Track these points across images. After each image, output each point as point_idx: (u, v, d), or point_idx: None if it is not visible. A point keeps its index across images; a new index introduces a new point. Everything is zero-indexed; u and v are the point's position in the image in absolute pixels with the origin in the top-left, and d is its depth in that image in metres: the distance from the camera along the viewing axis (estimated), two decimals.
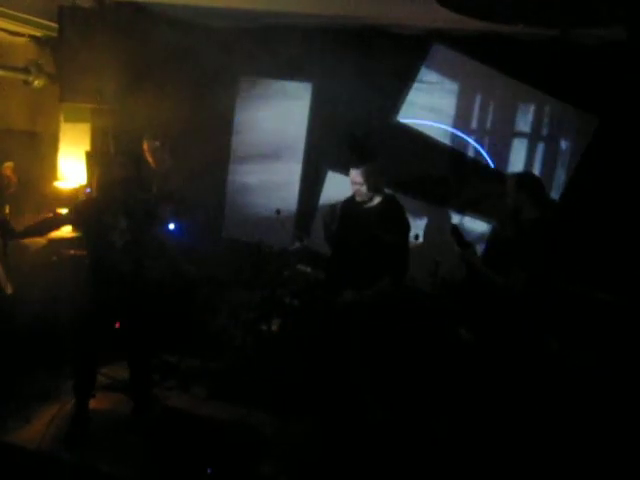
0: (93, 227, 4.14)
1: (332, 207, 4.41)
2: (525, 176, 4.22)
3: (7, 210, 5.63)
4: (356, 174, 4.20)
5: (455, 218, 5.55)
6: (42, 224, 4.43)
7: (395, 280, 4.25)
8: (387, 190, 4.49)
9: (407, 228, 4.33)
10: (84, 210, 4.25)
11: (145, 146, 5.41)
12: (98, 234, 4.11)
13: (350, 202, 4.40)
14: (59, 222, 4.56)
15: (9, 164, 5.79)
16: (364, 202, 4.28)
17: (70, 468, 3.86)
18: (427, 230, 5.55)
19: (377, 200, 4.30)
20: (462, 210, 5.53)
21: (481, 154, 5.54)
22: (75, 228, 4.86)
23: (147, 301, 4.26)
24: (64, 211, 5.77)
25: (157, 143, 5.37)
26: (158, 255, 4.35)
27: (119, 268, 4.09)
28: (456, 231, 4.01)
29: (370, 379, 4.33)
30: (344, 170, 5.32)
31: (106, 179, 4.25)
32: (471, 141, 5.56)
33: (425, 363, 4.48)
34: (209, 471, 3.71)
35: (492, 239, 4.90)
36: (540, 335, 4.02)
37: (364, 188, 4.20)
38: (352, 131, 5.39)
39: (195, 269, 4.45)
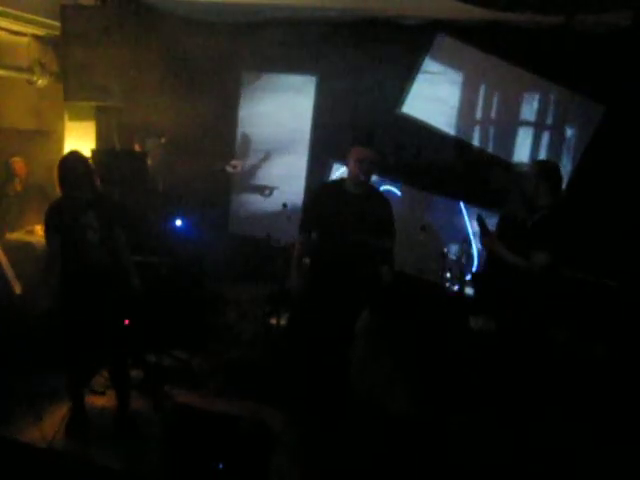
0: (67, 227, 4.01)
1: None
2: (547, 164, 4.21)
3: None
4: (369, 151, 4.18)
5: (463, 207, 5.55)
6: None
7: (392, 266, 4.31)
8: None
9: (392, 211, 4.37)
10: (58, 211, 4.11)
11: (148, 144, 5.42)
12: (71, 233, 4.00)
13: (338, 187, 4.37)
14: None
15: (18, 159, 5.81)
16: (356, 187, 4.24)
17: (81, 466, 3.88)
18: (434, 221, 5.55)
19: (367, 187, 4.29)
20: (470, 200, 5.52)
21: (488, 143, 5.52)
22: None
23: (124, 299, 4.16)
24: None
25: (162, 140, 5.37)
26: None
27: (94, 266, 4.00)
28: (481, 220, 4.04)
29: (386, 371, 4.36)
30: None
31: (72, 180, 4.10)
32: (477, 130, 5.54)
33: (441, 353, 4.50)
34: (220, 466, 3.72)
35: (503, 225, 4.87)
36: (549, 324, 4.01)
37: (373, 167, 4.19)
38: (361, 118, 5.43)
39: (139, 284, 4.28)
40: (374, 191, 4.39)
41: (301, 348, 4.48)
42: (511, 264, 3.82)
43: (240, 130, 6.17)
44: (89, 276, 3.99)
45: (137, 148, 5.46)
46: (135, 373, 4.77)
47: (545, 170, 3.95)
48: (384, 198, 4.38)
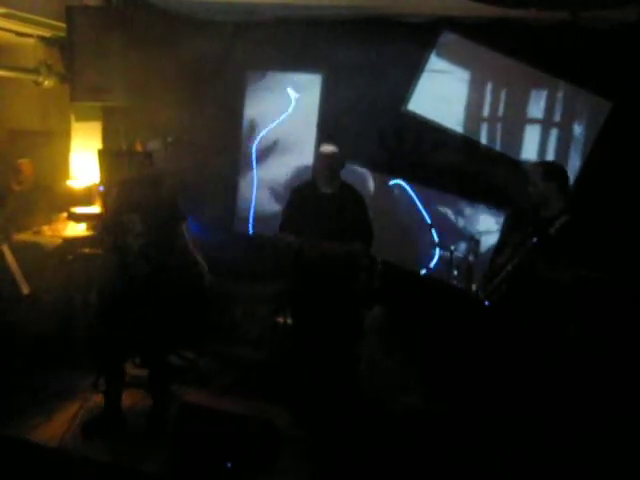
0: (112, 229, 4.13)
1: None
2: (554, 166, 4.15)
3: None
4: (333, 147, 4.36)
5: (469, 207, 5.54)
6: None
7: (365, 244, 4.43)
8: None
9: (366, 205, 4.52)
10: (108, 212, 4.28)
11: (154, 144, 5.41)
12: (116, 236, 4.10)
13: (310, 187, 4.52)
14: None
15: (24, 160, 5.84)
16: (325, 186, 4.39)
17: (91, 465, 3.89)
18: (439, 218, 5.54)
19: (338, 184, 4.43)
20: (477, 199, 5.50)
21: (494, 142, 5.49)
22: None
23: (163, 302, 4.24)
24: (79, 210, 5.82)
25: (169, 139, 5.37)
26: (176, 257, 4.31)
27: (135, 270, 4.08)
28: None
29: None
30: (357, 162, 5.34)
31: (122, 179, 4.24)
32: (484, 129, 5.52)
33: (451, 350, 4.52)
34: (228, 465, 3.73)
35: (508, 228, 4.87)
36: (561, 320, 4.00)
37: (337, 162, 4.34)
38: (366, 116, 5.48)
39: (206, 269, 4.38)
40: (345, 187, 4.48)
41: (301, 346, 4.52)
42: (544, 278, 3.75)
43: (245, 129, 6.16)
44: (126, 278, 4.11)
45: (139, 148, 5.45)
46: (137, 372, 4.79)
47: (551, 173, 3.88)
48: (356, 193, 4.51)
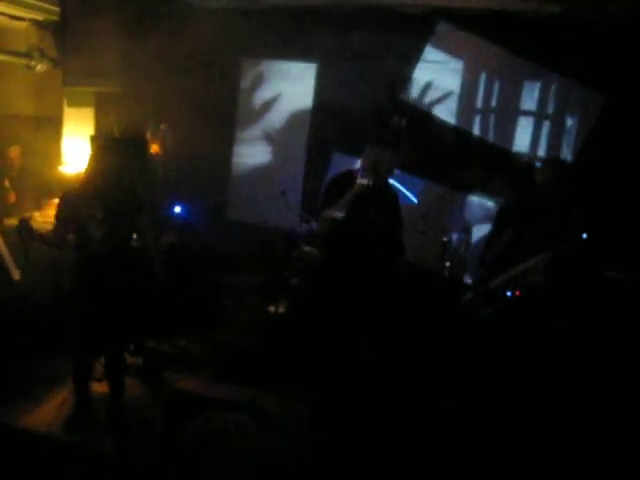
0: (75, 219, 4.00)
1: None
2: (557, 161, 4.32)
3: (13, 197, 5.67)
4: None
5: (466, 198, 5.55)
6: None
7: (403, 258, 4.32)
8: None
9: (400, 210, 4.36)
10: (69, 200, 4.08)
11: (150, 132, 5.38)
12: (79, 225, 3.98)
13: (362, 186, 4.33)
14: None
15: (15, 147, 5.80)
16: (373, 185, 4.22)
17: (79, 451, 3.88)
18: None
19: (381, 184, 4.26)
20: (473, 190, 5.52)
21: (487, 133, 5.50)
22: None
23: (124, 292, 4.10)
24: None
25: (162, 126, 5.34)
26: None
27: (98, 260, 4.01)
28: None
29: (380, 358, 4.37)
30: (349, 151, 5.32)
31: (88, 168, 4.10)
32: (477, 120, 5.53)
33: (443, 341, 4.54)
34: None
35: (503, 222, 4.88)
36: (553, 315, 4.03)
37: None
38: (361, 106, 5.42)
39: (163, 273, 4.29)
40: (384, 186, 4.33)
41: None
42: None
43: (240, 117, 6.14)
44: (89, 268, 3.98)
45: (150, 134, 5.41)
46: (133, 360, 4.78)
47: (555, 168, 4.03)
48: (391, 190, 4.37)
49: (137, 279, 4.14)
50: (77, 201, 3.90)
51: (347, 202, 3.99)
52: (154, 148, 5.31)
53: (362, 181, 4.03)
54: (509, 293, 3.98)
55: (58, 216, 3.92)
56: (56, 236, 3.90)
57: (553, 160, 4.51)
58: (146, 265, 4.22)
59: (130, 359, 4.83)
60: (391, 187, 4.42)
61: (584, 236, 3.82)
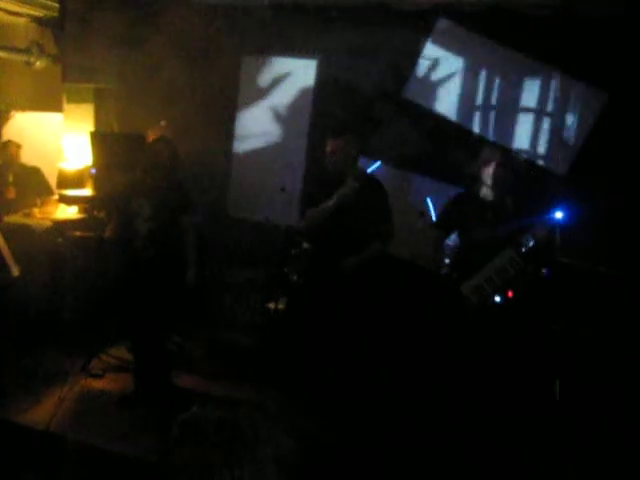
0: (122, 212, 4.18)
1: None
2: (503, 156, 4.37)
3: (13, 193, 5.67)
4: None
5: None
6: None
7: (383, 243, 4.41)
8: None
9: (387, 197, 4.48)
10: (116, 194, 4.29)
11: (152, 130, 5.38)
12: (125, 220, 4.14)
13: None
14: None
15: (13, 142, 5.80)
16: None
17: (79, 448, 3.88)
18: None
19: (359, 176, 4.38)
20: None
21: (487, 130, 5.48)
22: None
23: (163, 286, 4.24)
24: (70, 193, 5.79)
25: (162, 123, 5.35)
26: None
27: (142, 254, 4.11)
28: None
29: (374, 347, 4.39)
30: None
31: (140, 165, 4.25)
32: (477, 116, 5.51)
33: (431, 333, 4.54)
34: None
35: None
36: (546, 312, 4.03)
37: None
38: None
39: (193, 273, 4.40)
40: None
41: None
42: None
43: (239, 113, 6.13)
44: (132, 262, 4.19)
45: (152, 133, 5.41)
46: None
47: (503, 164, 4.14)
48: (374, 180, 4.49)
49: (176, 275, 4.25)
50: (127, 197, 4.03)
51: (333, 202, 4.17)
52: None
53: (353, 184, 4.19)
54: (499, 298, 3.98)
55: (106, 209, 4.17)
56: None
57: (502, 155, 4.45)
58: (182, 263, 4.31)
59: (128, 355, 4.85)
60: (375, 180, 4.50)
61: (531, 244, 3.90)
